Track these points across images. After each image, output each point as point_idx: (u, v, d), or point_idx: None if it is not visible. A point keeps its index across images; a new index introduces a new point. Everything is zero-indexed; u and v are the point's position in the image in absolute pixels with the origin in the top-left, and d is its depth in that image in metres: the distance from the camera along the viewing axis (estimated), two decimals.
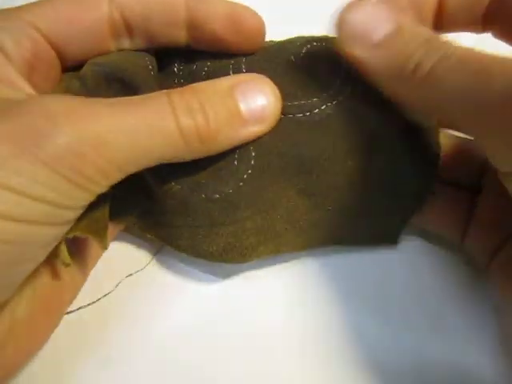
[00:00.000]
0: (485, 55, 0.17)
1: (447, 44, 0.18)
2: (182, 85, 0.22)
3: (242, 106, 0.19)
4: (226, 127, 0.19)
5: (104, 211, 0.20)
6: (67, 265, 0.19)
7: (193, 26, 0.21)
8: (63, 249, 0.19)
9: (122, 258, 0.24)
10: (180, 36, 0.21)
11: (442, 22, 0.21)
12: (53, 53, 0.20)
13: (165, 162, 0.19)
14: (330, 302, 0.24)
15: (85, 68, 0.21)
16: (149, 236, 0.24)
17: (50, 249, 0.18)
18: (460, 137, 0.23)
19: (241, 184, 0.21)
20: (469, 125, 0.18)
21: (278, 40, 0.25)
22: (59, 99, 0.17)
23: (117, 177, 0.18)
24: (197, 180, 0.21)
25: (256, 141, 0.21)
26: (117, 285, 0.24)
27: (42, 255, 0.18)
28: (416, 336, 0.23)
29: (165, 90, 0.19)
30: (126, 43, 0.22)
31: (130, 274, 0.24)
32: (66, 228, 0.18)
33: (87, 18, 0.20)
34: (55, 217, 0.17)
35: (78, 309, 0.23)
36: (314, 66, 0.21)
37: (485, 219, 0.22)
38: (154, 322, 0.23)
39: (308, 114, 0.21)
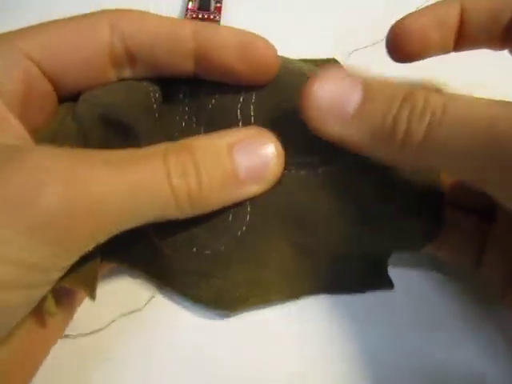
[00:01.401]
0: (480, 109, 0.16)
1: (428, 101, 0.16)
2: (186, 114, 0.22)
3: (240, 167, 0.19)
4: (219, 190, 0.19)
5: (93, 263, 0.19)
6: (53, 314, 0.18)
7: (201, 56, 0.20)
8: (49, 299, 0.18)
9: (120, 295, 0.24)
10: (187, 66, 0.20)
11: (462, 39, 0.22)
12: (48, 84, 0.19)
13: (154, 221, 0.18)
14: (333, 304, 0.24)
15: (82, 106, 0.19)
16: (139, 272, 0.23)
17: (34, 305, 0.17)
18: None
19: (234, 242, 0.21)
20: (478, 179, 0.17)
21: (291, 61, 0.23)
22: (53, 157, 0.16)
23: (105, 238, 0.17)
24: (190, 233, 0.21)
25: (253, 197, 0.20)
26: (110, 322, 0.23)
27: (25, 313, 0.17)
28: (418, 337, 0.23)
29: (163, 147, 0.18)
30: (128, 72, 0.20)
31: (131, 312, 0.23)
32: (50, 286, 0.17)
33: (86, 47, 0.19)
34: (40, 280, 0.16)
35: (66, 336, 0.22)
36: None
37: (501, 247, 0.21)
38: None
39: (312, 171, 0.21)
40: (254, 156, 0.19)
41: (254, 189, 0.20)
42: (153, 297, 0.24)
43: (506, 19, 0.21)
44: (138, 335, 0.23)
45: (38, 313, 0.19)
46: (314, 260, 0.22)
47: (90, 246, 0.17)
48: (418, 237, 0.21)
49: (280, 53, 0.21)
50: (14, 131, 0.17)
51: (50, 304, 0.18)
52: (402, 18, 0.22)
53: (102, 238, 0.17)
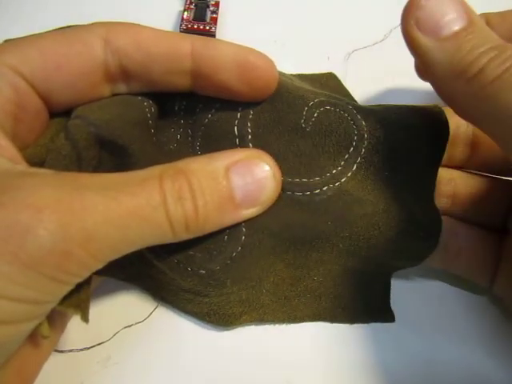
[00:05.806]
0: None
1: None
2: (181, 127, 0.22)
3: (237, 190, 0.18)
4: (215, 214, 0.18)
5: (85, 285, 0.18)
6: (46, 337, 0.18)
7: (199, 75, 0.19)
8: (44, 324, 0.18)
9: (123, 308, 0.24)
10: (183, 83, 0.19)
11: None
12: (39, 101, 0.18)
13: (149, 246, 0.18)
14: None
15: (75, 124, 0.18)
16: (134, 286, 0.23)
17: (29, 333, 0.17)
18: (486, 176, 0.24)
19: (228, 262, 0.20)
20: None
21: (288, 76, 0.23)
22: (47, 188, 0.15)
23: (99, 267, 0.17)
24: (185, 252, 0.20)
25: (249, 218, 0.20)
26: (114, 335, 0.23)
27: (21, 342, 0.17)
28: (420, 338, 0.23)
29: (158, 171, 0.17)
30: (122, 87, 0.20)
31: (129, 326, 0.23)
32: (45, 315, 0.17)
33: (78, 63, 0.18)
34: (33, 313, 0.16)
35: (70, 350, 0.23)
36: (322, 138, 0.20)
37: None
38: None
39: (308, 193, 0.20)
40: (250, 179, 0.19)
41: (250, 212, 0.19)
42: (155, 308, 0.24)
43: None
44: (140, 346, 0.23)
45: (32, 335, 0.19)
46: (308, 281, 0.22)
47: (86, 275, 0.16)
48: (413, 256, 0.22)
49: (280, 57, 0.21)
50: (6, 152, 0.17)
51: (45, 328, 0.18)
52: None
53: (98, 267, 0.17)
